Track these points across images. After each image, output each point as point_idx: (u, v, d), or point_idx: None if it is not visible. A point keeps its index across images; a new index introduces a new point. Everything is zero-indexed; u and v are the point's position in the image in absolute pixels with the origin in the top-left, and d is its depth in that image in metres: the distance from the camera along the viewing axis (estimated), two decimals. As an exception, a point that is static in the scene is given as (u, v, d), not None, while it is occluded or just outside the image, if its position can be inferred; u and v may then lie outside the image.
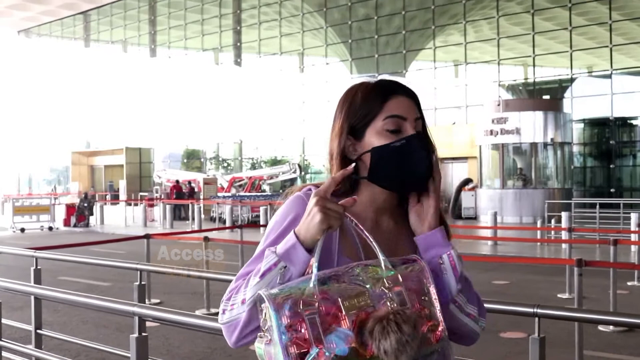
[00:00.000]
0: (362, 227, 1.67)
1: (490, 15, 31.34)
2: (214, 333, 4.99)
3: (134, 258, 10.63)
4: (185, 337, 7.68)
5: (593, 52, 29.28)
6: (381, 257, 1.62)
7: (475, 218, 24.60)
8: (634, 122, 28.88)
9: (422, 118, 1.77)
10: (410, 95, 1.76)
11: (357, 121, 1.74)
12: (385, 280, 1.58)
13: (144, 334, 3.91)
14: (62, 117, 52.11)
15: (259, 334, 1.58)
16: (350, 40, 36.29)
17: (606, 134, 28.80)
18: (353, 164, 1.71)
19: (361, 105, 1.74)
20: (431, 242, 1.73)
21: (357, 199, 1.64)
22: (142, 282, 5.84)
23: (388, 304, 1.54)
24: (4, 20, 51.79)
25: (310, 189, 1.74)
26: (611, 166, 28.46)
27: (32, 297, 5.24)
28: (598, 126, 29.20)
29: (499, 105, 24.88)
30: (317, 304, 1.49)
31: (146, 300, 9.80)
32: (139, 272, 5.99)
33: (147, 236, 10.83)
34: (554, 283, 10.86)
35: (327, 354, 1.46)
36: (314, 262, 1.59)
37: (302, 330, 1.47)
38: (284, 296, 1.51)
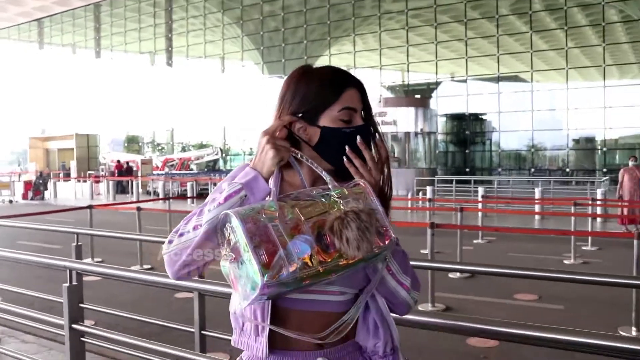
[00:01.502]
0: (308, 158, 1.52)
1: (374, 30, 31.65)
2: (129, 281, 4.92)
3: (80, 225, 10.33)
4: (122, 288, 7.52)
5: (454, 62, 29.94)
6: (327, 178, 1.49)
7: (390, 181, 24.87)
8: (483, 117, 29.75)
9: (368, 106, 1.61)
10: (358, 87, 1.60)
11: (312, 107, 1.56)
12: (334, 194, 1.45)
13: (74, 283, 3.81)
14: (21, 108, 49.94)
15: (223, 253, 1.39)
16: (262, 47, 35.95)
17: (463, 125, 29.62)
18: (293, 120, 1.54)
19: (317, 94, 1.56)
20: None
21: (286, 132, 1.54)
22: (79, 243, 5.66)
23: (342, 207, 1.40)
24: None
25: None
26: (466, 151, 29.33)
27: None
28: (457, 119, 29.95)
29: (380, 102, 25.06)
30: (277, 214, 1.36)
31: (90, 259, 9.61)
32: (76, 235, 5.83)
33: (90, 207, 10.60)
34: (417, 242, 11.16)
35: (292, 256, 1.31)
36: (272, 187, 1.48)
37: (269, 237, 1.32)
38: (247, 211, 1.36)
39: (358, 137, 1.54)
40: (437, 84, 30.28)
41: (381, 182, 1.58)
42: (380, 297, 1.60)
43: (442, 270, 6.99)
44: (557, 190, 20.72)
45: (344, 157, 1.54)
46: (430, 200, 13.89)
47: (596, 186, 19.44)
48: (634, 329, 6.01)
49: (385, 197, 1.58)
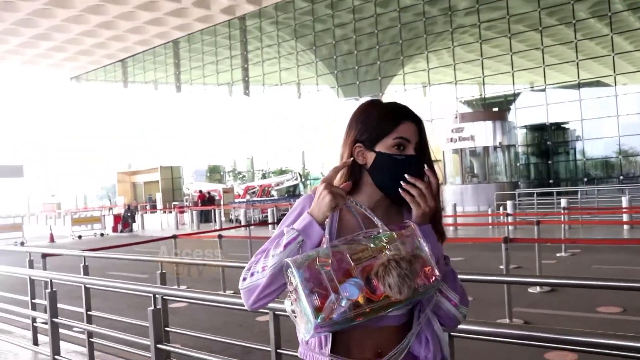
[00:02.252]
0: (362, 205, 1.72)
1: (447, 45, 31.50)
2: (221, 306, 5.19)
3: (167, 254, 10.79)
4: (207, 314, 7.85)
5: (531, 71, 29.34)
6: (379, 223, 1.66)
7: (442, 209, 24.60)
8: (565, 125, 28.92)
9: (424, 140, 1.77)
10: (416, 122, 1.78)
11: (371, 135, 1.74)
12: (383, 237, 1.61)
13: (158, 307, 4.09)
14: (108, 145, 52.31)
15: (288, 294, 1.60)
16: (336, 71, 36.46)
17: (544, 136, 28.90)
18: (351, 158, 1.75)
19: (378, 123, 1.75)
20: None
21: (350, 184, 1.73)
22: (163, 271, 6.02)
23: (387, 252, 1.58)
24: (59, 70, 52.16)
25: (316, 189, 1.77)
26: (549, 162, 28.58)
27: (83, 286, 5.52)
28: (537, 130, 29.23)
29: (456, 118, 24.90)
30: (330, 260, 1.54)
31: (176, 286, 10.05)
32: (160, 264, 6.19)
33: (175, 236, 11.06)
34: (495, 258, 11.03)
35: (342, 299, 1.49)
36: (326, 234, 1.64)
37: (321, 283, 1.51)
38: (304, 259, 1.56)
39: (406, 175, 1.70)
40: (515, 95, 29.75)
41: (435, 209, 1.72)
42: (432, 314, 1.76)
43: (514, 284, 6.90)
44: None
45: (399, 188, 1.70)
46: (507, 214, 13.63)
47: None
48: None
49: (439, 225, 1.75)
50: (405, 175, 1.70)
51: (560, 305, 7.77)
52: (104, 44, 43.91)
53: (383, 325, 1.69)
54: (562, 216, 13.86)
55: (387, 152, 1.72)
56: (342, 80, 36.30)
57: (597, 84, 28.02)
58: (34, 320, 6.87)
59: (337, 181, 1.73)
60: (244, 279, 1.69)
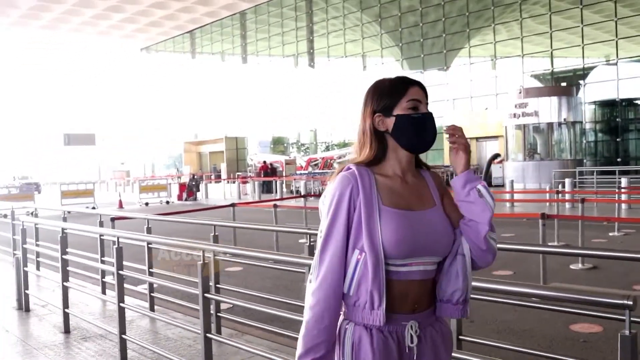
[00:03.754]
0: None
1: (516, 17, 31.08)
2: (274, 267, 5.81)
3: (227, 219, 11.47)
4: (260, 278, 8.50)
5: (605, 44, 28.62)
6: None
7: (503, 185, 24.56)
8: (638, 102, 28.25)
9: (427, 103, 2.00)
10: (421, 87, 1.99)
11: (387, 103, 1.95)
12: None
13: (206, 261, 4.64)
14: (177, 115, 53.98)
15: None
16: (401, 44, 36.53)
17: (614, 112, 28.31)
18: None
19: (390, 92, 1.96)
20: (468, 179, 1.93)
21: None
22: (216, 234, 6.65)
23: None
24: (130, 41, 53.99)
25: (349, 168, 1.95)
26: (617, 139, 28.08)
27: (145, 244, 6.27)
28: (607, 106, 28.60)
29: (520, 93, 24.54)
30: None
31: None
32: (213, 227, 6.85)
33: (233, 205, 11.78)
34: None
35: None
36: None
37: None
38: None
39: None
40: (585, 69, 29.14)
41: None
42: (466, 253, 1.95)
43: (544, 253, 7.04)
44: None
45: (447, 135, 1.95)
46: (557, 192, 13.71)
47: None
48: None
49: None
50: (444, 128, 1.96)
51: (598, 282, 8.00)
52: (173, 15, 45.22)
53: (422, 279, 1.92)
54: (616, 195, 13.86)
55: (405, 113, 1.94)
56: (407, 53, 36.33)
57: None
58: (103, 275, 7.74)
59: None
60: (310, 281, 1.92)
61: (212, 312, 5.06)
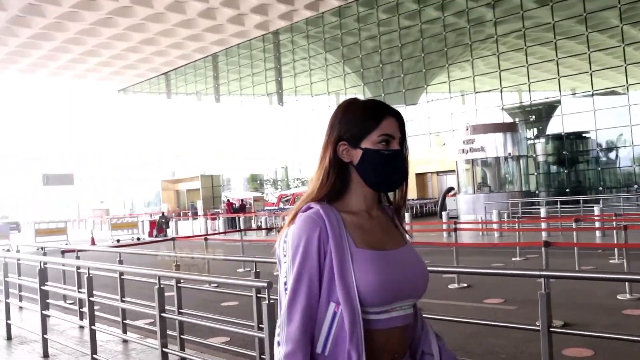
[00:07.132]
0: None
1: (467, 58, 33.00)
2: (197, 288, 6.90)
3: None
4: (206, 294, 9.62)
5: (547, 82, 30.60)
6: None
7: (457, 217, 25.71)
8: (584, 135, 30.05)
9: (404, 134, 1.78)
10: (396, 116, 1.77)
11: (355, 132, 1.72)
12: None
13: (162, 286, 5.83)
14: (153, 154, 55.03)
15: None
16: (363, 83, 38.26)
17: (562, 145, 30.11)
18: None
19: (362, 121, 1.73)
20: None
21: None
22: (178, 264, 7.82)
23: None
24: (107, 83, 55.51)
25: (310, 207, 1.69)
26: (566, 171, 29.80)
27: (118, 274, 7.17)
28: (555, 140, 30.43)
29: (467, 130, 26.08)
30: None
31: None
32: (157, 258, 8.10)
33: (173, 239, 13.06)
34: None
35: None
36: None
37: None
38: None
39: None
40: (532, 105, 30.97)
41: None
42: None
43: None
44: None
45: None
46: (484, 222, 15.16)
47: None
48: None
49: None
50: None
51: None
52: (147, 58, 46.88)
53: (404, 325, 1.71)
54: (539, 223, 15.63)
55: (374, 148, 1.72)
56: (369, 92, 37.95)
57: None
58: (80, 304, 8.31)
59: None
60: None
61: (176, 333, 5.83)
